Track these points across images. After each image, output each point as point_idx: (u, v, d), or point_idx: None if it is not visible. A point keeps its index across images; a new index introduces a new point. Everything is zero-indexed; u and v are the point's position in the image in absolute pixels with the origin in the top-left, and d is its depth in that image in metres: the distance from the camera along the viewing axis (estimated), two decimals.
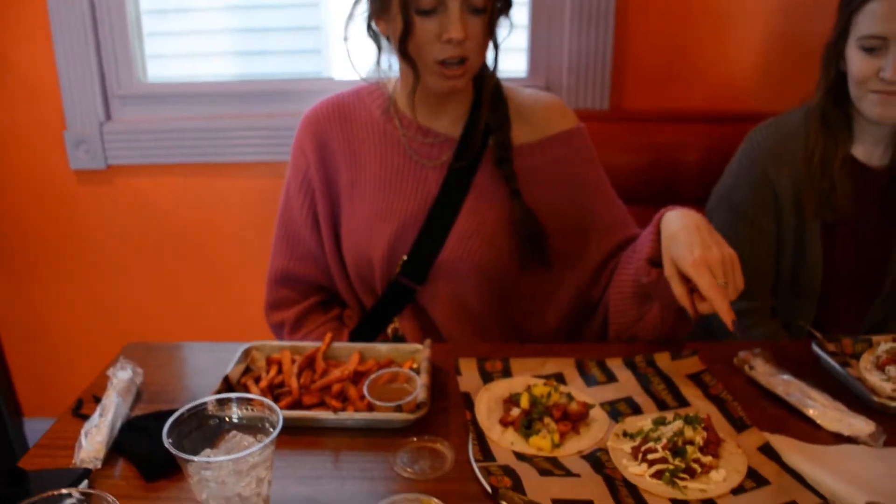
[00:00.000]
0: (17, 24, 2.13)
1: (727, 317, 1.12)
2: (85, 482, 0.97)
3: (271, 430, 0.88)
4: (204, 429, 0.92)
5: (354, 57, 1.37)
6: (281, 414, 0.89)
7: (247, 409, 0.93)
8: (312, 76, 2.21)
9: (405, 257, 1.40)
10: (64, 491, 0.81)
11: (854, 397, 1.16)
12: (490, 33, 1.28)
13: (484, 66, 1.37)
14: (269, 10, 2.17)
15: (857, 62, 1.44)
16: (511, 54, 2.12)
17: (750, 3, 2.03)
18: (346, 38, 1.36)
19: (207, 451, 0.90)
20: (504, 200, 1.39)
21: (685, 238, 1.17)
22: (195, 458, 0.84)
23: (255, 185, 2.22)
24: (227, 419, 0.93)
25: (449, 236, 1.38)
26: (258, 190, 2.22)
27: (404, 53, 1.28)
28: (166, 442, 0.85)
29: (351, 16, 1.36)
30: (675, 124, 1.98)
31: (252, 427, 0.92)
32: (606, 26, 2.01)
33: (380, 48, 1.37)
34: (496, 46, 1.32)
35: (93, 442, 1.04)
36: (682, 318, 1.31)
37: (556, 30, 2.06)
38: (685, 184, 1.93)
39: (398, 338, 1.45)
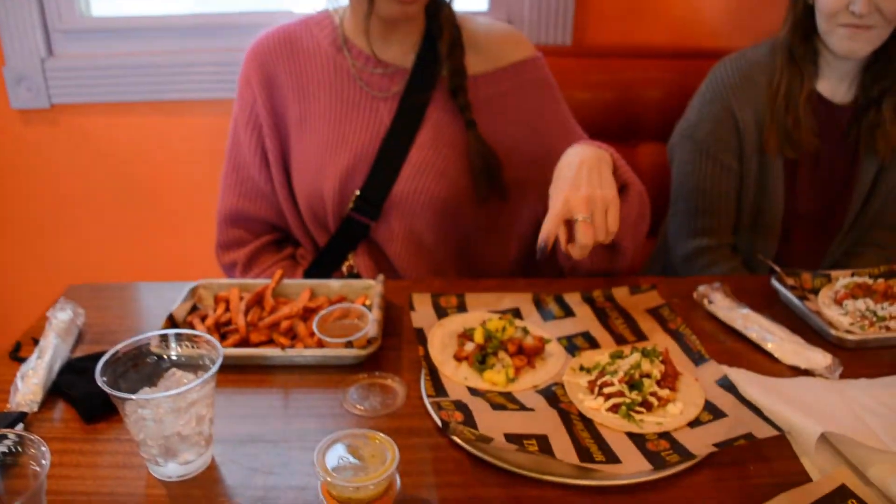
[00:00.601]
0: None
1: (542, 235, 1.10)
2: (20, 425, 0.93)
3: (212, 366, 0.84)
4: (142, 367, 0.88)
5: None
6: (221, 349, 0.85)
7: (187, 346, 0.89)
8: (264, 9, 2.12)
9: (358, 192, 1.35)
10: None
11: (812, 331, 1.15)
12: None
13: None
14: None
15: None
16: None
17: None
18: None
19: (146, 389, 0.86)
20: (458, 132, 1.35)
21: (566, 174, 1.15)
22: (129, 396, 0.80)
23: (206, 124, 2.14)
24: (165, 357, 0.89)
25: (402, 170, 1.34)
26: (208, 128, 2.14)
27: None
28: (100, 381, 0.81)
29: None
30: (639, 60, 1.94)
31: (193, 365, 0.89)
32: None
33: None
34: None
35: (29, 384, 1.00)
36: (612, 253, 1.29)
37: None
38: (648, 121, 1.91)
39: (353, 275, 1.41)
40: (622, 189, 1.22)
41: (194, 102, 2.14)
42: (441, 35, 1.35)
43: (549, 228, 1.11)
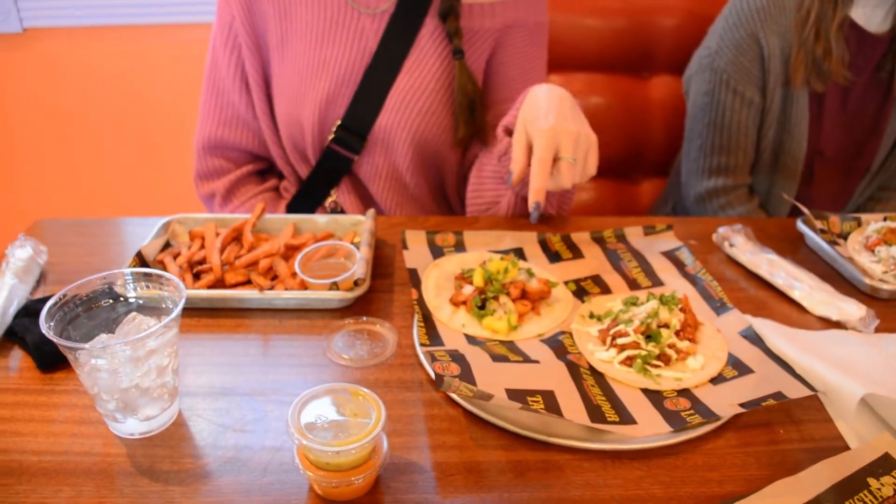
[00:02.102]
0: None
1: (533, 196, 1.03)
2: None
3: (174, 309, 0.73)
4: (96, 311, 0.77)
5: None
6: (184, 290, 0.74)
7: (147, 287, 0.78)
8: None
9: (339, 122, 1.25)
10: None
11: (842, 279, 1.07)
12: None
13: None
14: None
15: None
16: None
17: None
18: None
19: (103, 336, 0.76)
20: (446, 63, 1.24)
21: (544, 106, 1.06)
22: (80, 346, 0.69)
23: (188, 49, 2.01)
24: (122, 299, 0.78)
25: (386, 101, 1.24)
26: (190, 54, 2.00)
27: None
28: (44, 327, 0.70)
29: None
30: None
31: (154, 309, 0.78)
32: None
33: None
34: None
35: None
36: (560, 199, 1.21)
37: None
38: (662, 51, 1.79)
39: (336, 212, 1.32)
40: None
41: (176, 27, 2.01)
42: None
43: (522, 159, 1.05)
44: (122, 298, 0.78)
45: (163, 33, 2.01)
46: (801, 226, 1.16)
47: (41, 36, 2.02)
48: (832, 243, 1.11)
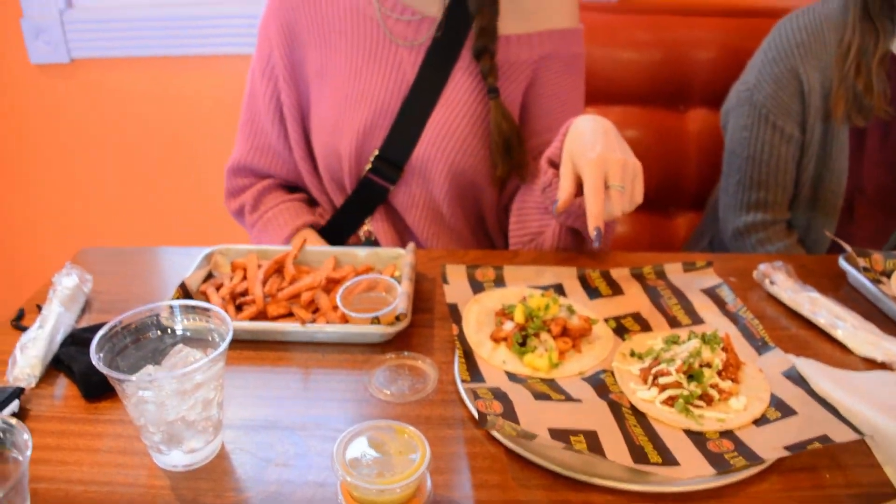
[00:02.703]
0: None
1: (592, 222, 1.00)
2: (16, 402, 0.85)
3: (221, 343, 0.75)
4: (144, 343, 0.79)
5: None
6: (231, 324, 0.75)
7: (194, 320, 0.80)
8: None
9: (376, 152, 1.26)
10: None
11: (887, 319, 1.05)
12: None
13: None
14: None
15: None
16: None
17: None
18: None
19: (150, 367, 0.77)
20: (483, 95, 1.25)
21: (590, 137, 1.05)
22: (128, 377, 0.71)
23: (230, 80, 2.05)
24: (170, 331, 0.80)
25: (423, 132, 1.25)
26: (232, 85, 2.04)
27: None
28: (95, 358, 0.72)
29: None
30: (690, 18, 1.81)
31: (200, 340, 0.79)
32: None
33: None
34: None
35: (28, 357, 0.92)
36: (578, 238, 1.22)
37: None
38: (698, 84, 1.79)
39: (370, 241, 1.34)
40: None
41: (217, 58, 2.05)
42: None
43: (569, 189, 1.05)
44: (169, 330, 0.80)
45: (206, 64, 2.05)
46: (843, 263, 1.15)
47: (88, 66, 2.08)
48: (875, 281, 1.10)
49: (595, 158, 1.01)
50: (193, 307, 0.80)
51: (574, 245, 1.23)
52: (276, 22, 1.30)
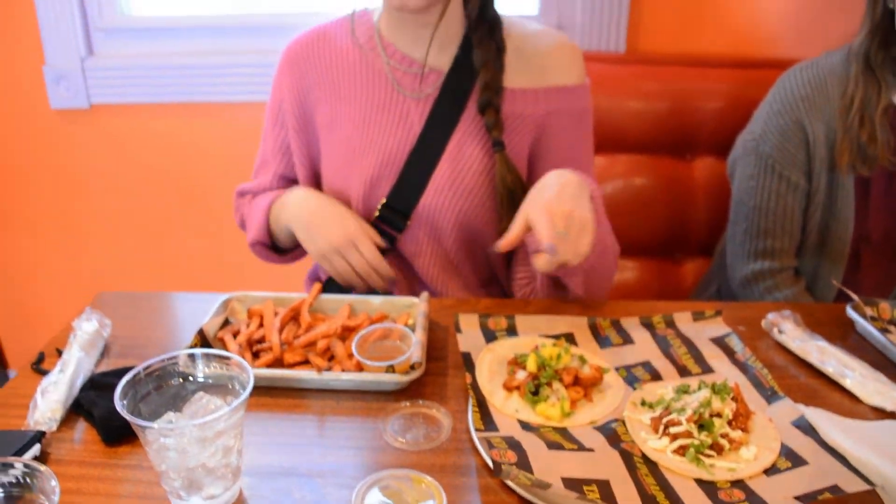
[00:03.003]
0: None
1: (546, 241, 1.03)
2: (37, 446, 0.86)
3: (242, 391, 0.76)
4: (165, 389, 0.81)
5: None
6: (252, 373, 0.77)
7: (214, 367, 0.82)
8: (304, 9, 2.07)
9: (384, 201, 1.29)
10: (3, 461, 0.70)
11: (894, 367, 1.05)
12: None
13: None
14: None
15: None
16: None
17: None
18: None
19: (170, 414, 0.79)
20: (488, 146, 1.27)
21: (547, 189, 1.08)
22: (150, 424, 0.72)
23: (245, 127, 2.09)
24: (191, 378, 0.82)
25: (430, 182, 1.28)
26: (248, 131, 2.08)
27: None
28: (119, 405, 0.74)
29: None
30: (696, 69, 1.85)
31: (221, 387, 0.81)
32: None
33: None
34: None
35: (49, 401, 0.94)
36: (558, 288, 1.25)
37: None
38: (704, 134, 1.82)
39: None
40: None
41: (232, 105, 2.09)
42: (481, 43, 1.26)
43: (515, 233, 1.07)
44: (190, 377, 0.82)
45: (221, 111, 2.10)
46: (850, 312, 1.16)
47: (106, 111, 2.12)
48: (883, 331, 1.11)
49: (543, 205, 1.04)
50: (214, 355, 0.82)
51: (557, 293, 1.26)
52: (287, 76, 1.34)
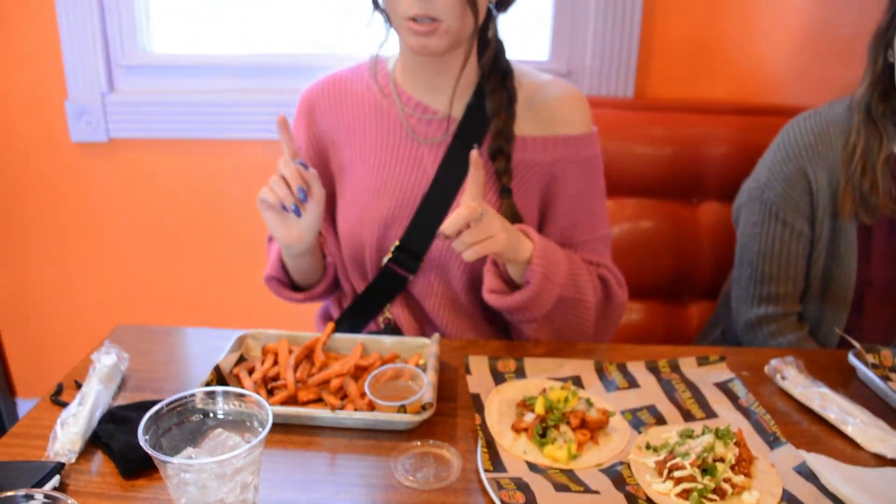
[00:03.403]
0: None
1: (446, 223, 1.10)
2: (57, 478, 0.89)
3: (260, 428, 0.79)
4: (186, 425, 0.84)
5: (357, 29, 1.30)
6: (271, 412, 0.80)
7: (234, 405, 0.84)
8: (319, 51, 2.13)
9: (397, 243, 1.32)
10: (24, 492, 0.73)
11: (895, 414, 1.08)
12: None
13: (486, 40, 1.30)
14: None
15: None
16: (531, 33, 2.04)
17: None
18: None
19: (189, 450, 0.82)
20: (499, 192, 1.31)
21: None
22: (173, 460, 0.75)
23: (261, 164, 2.12)
24: (211, 415, 0.84)
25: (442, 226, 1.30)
26: (264, 168, 2.12)
27: (377, 5, 1.24)
28: (142, 440, 0.76)
29: None
30: (702, 115, 1.89)
31: (239, 424, 0.84)
32: (633, 9, 1.92)
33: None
34: (475, 12, 1.18)
35: (69, 433, 0.96)
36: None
37: (581, 11, 1.96)
38: (710, 179, 1.85)
39: (390, 327, 1.38)
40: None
41: (246, 142, 2.14)
42: (493, 91, 1.30)
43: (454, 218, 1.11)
44: (210, 413, 0.84)
45: (237, 148, 2.15)
46: (852, 359, 1.18)
47: (124, 145, 2.17)
48: (885, 378, 1.13)
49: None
50: (234, 393, 0.84)
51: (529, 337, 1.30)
52: (304, 122, 1.38)
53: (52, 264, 2.33)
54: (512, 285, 1.26)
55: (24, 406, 2.49)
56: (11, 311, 2.40)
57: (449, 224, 1.08)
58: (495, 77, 1.31)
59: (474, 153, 1.11)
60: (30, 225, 2.28)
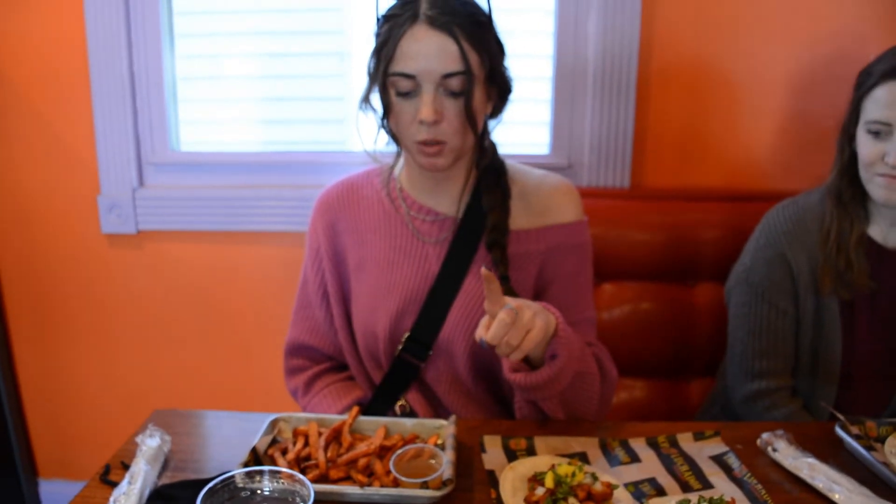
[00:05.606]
0: (59, 88, 2.21)
1: (481, 330, 1.16)
2: None
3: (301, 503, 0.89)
4: (235, 500, 0.94)
5: (367, 133, 1.43)
6: (312, 489, 0.90)
7: (277, 482, 0.95)
8: (336, 147, 2.27)
9: (408, 334, 1.43)
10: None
11: (881, 483, 1.15)
12: (468, 117, 1.30)
13: (483, 147, 1.43)
14: (296, 80, 2.24)
15: (864, 145, 1.48)
16: (533, 131, 2.17)
17: (768, 84, 2.07)
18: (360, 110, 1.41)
19: None
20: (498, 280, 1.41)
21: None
22: None
23: (279, 254, 2.26)
24: (258, 492, 0.94)
25: (448, 316, 1.42)
26: (281, 258, 2.26)
27: (388, 131, 1.37)
28: None
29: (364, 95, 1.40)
30: (695, 203, 2.00)
31: (283, 500, 0.94)
32: (627, 107, 2.06)
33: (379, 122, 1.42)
34: (475, 130, 1.33)
35: None
36: (537, 411, 1.34)
37: (579, 108, 2.10)
38: (705, 261, 1.95)
39: (406, 414, 1.47)
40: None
41: (267, 234, 2.26)
42: (489, 189, 1.43)
43: (485, 323, 1.17)
44: (258, 491, 0.95)
45: (260, 239, 2.27)
46: (838, 431, 1.27)
47: (152, 237, 2.30)
48: (868, 448, 1.21)
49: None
50: (278, 471, 0.95)
51: (538, 415, 1.35)
52: (321, 223, 1.52)
53: (82, 351, 2.43)
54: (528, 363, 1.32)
55: (45, 487, 2.55)
56: (42, 395, 2.49)
57: (493, 334, 1.14)
58: (491, 176, 1.45)
59: (484, 270, 1.16)
60: (59, 311, 2.39)
